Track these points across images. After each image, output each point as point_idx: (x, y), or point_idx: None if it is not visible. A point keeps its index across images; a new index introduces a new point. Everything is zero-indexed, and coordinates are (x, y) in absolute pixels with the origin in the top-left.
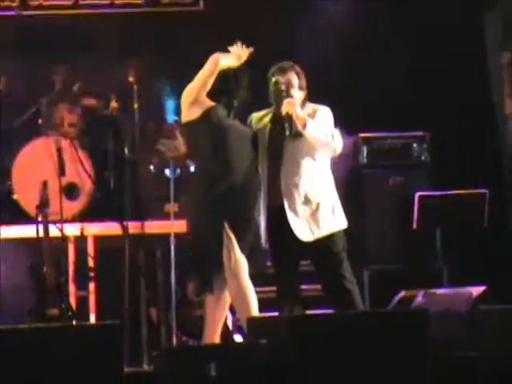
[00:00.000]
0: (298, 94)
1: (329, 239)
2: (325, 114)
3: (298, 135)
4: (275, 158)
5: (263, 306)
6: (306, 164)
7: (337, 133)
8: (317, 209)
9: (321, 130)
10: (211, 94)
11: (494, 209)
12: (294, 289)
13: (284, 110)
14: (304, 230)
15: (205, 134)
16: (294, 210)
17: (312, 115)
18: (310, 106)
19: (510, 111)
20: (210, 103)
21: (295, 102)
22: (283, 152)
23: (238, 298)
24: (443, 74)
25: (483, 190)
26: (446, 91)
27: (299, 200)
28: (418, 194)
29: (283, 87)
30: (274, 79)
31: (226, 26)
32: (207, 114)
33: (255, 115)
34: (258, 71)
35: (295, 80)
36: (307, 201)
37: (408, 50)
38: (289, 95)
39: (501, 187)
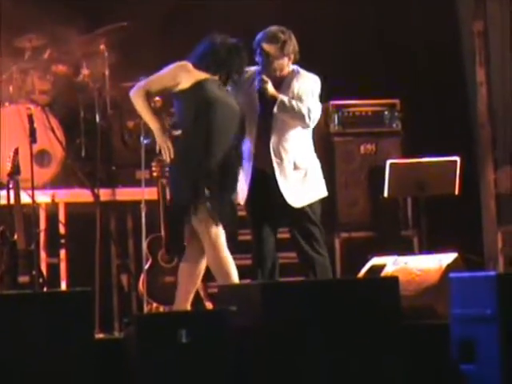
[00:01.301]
0: (280, 61)
1: (309, 206)
2: (308, 82)
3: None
4: (265, 124)
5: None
6: (295, 131)
7: (314, 106)
8: (305, 175)
9: (291, 106)
10: (210, 66)
11: (465, 176)
12: (271, 253)
13: (260, 85)
14: (293, 195)
15: (189, 105)
16: (285, 176)
17: (289, 80)
18: (295, 72)
19: (482, 79)
20: (201, 75)
21: (266, 80)
22: (273, 119)
23: (217, 270)
24: (415, 42)
25: (454, 158)
26: (418, 58)
27: (289, 166)
28: (389, 161)
29: (263, 57)
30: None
31: None
32: (197, 85)
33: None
34: None
35: (277, 47)
36: (296, 167)
37: (380, 18)
38: (270, 62)
39: (472, 155)
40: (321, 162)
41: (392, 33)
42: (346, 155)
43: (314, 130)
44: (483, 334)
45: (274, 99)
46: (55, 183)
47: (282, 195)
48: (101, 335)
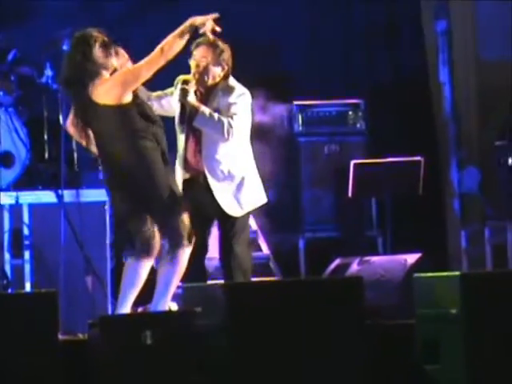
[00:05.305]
0: (214, 68)
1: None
2: (236, 96)
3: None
4: (192, 135)
5: None
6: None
7: (238, 121)
8: (242, 183)
9: (211, 119)
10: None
11: (428, 176)
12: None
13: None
14: (233, 204)
15: None
16: (220, 186)
17: (219, 90)
18: (226, 83)
19: (445, 79)
20: None
21: (186, 91)
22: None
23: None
24: (378, 41)
25: (418, 158)
26: (381, 58)
27: (223, 176)
28: (353, 161)
29: (193, 68)
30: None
31: None
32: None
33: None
34: None
35: (215, 53)
36: (231, 176)
37: (343, 18)
38: (204, 66)
39: (436, 155)
40: (285, 162)
41: (355, 33)
42: (311, 155)
43: (275, 130)
44: (447, 334)
45: (195, 110)
46: (19, 184)
47: (216, 206)
48: (65, 337)
